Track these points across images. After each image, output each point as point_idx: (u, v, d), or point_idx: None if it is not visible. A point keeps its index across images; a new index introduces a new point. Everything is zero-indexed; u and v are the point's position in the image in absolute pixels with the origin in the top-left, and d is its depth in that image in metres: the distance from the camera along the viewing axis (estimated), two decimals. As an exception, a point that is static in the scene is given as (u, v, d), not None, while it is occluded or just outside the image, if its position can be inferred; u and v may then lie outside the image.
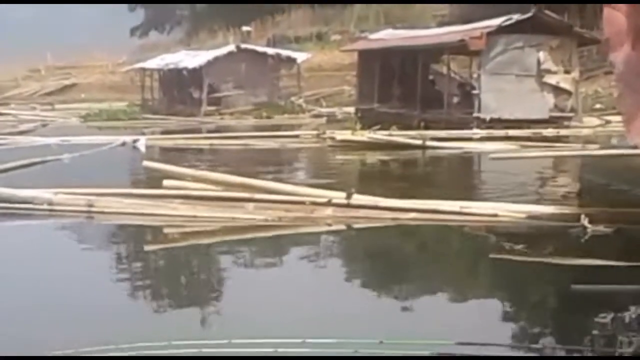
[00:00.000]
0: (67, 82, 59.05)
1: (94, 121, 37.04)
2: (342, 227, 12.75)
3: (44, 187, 13.72)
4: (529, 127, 25.63)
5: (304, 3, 58.28)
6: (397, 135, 23.96)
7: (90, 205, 13.06)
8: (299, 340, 6.56)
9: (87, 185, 13.88)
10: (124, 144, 24.71)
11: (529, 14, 27.36)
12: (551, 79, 27.20)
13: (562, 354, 6.98)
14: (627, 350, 6.16)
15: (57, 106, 44.24)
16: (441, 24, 41.89)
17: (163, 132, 31.86)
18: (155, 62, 44.71)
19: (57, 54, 65.10)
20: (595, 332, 7.64)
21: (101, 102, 44.16)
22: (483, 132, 25.35)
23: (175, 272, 10.80)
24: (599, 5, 4.76)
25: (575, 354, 6.92)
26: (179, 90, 41.96)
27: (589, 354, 6.90)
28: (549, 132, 25.40)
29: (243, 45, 42.71)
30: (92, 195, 13.27)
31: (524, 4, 28.66)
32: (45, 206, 13.20)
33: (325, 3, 57.38)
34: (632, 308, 8.03)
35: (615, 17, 4.65)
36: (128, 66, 50.15)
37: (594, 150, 20.94)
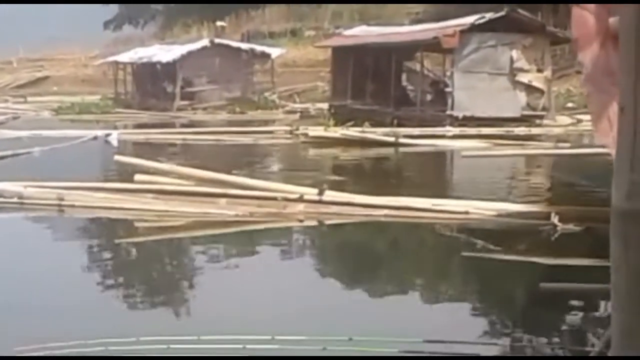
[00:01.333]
0: (39, 75, 58.63)
1: (66, 114, 36.84)
2: (314, 223, 12.76)
3: (14, 180, 13.64)
4: (501, 125, 25.74)
5: (286, 3, 57.87)
6: (370, 132, 24.00)
7: (61, 199, 12.99)
8: (268, 337, 6.56)
9: (58, 178, 13.80)
10: (96, 137, 24.60)
11: (502, 13, 27.47)
12: (524, 78, 27.32)
13: (529, 349, 7.02)
14: (595, 350, 6.20)
15: (29, 99, 43.94)
16: (415, 22, 41.98)
17: (136, 126, 31.72)
18: (129, 56, 44.50)
19: (30, 46, 64.61)
20: (564, 329, 7.70)
21: (74, 96, 43.87)
22: (456, 130, 25.42)
23: (145, 266, 10.78)
24: (571, 5, 4.79)
25: (544, 351, 6.96)
26: (152, 85, 41.79)
27: (557, 349, 6.95)
28: (521, 130, 25.51)
29: (217, 40, 42.57)
30: (63, 189, 13.21)
31: (499, 3, 28.72)
32: (15, 199, 13.13)
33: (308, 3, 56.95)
34: (601, 306, 8.09)
35: (584, 17, 4.66)
36: (101, 59, 49.84)
37: (565, 148, 21.08)
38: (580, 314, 7.97)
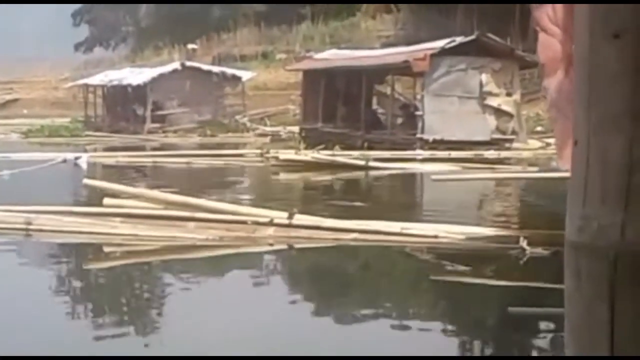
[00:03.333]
0: (9, 97, 58.33)
1: (35, 137, 36.65)
2: (284, 247, 12.72)
3: (-18, 204, 13.51)
4: (471, 149, 25.86)
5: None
6: (341, 156, 24.02)
7: (29, 223, 12.87)
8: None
9: (26, 202, 13.69)
10: (65, 160, 24.45)
11: (472, 37, 27.70)
12: (493, 101, 27.50)
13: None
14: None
15: (-2, 121, 43.72)
16: (386, 45, 42.17)
17: (106, 150, 31.58)
18: (99, 78, 44.41)
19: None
20: (532, 353, 7.72)
21: (43, 118, 43.70)
22: (426, 153, 25.52)
23: (113, 291, 10.69)
24: (539, 31, 4.83)
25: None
26: (123, 107, 41.68)
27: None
28: (491, 153, 25.64)
29: (188, 63, 42.61)
30: (31, 213, 13.09)
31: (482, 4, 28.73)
32: (-18, 223, 13.00)
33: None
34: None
35: (550, 44, 4.70)
36: (71, 82, 49.69)
37: (534, 172, 21.20)
38: (549, 336, 7.99)
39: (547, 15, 4.66)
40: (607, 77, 1.35)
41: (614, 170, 1.33)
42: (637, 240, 1.26)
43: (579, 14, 1.40)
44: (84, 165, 23.77)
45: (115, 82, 42.15)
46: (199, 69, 41.37)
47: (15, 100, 57.71)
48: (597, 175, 1.35)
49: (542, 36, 5.00)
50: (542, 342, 8.08)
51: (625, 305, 1.31)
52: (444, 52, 27.45)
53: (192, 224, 12.76)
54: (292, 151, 24.77)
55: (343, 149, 25.46)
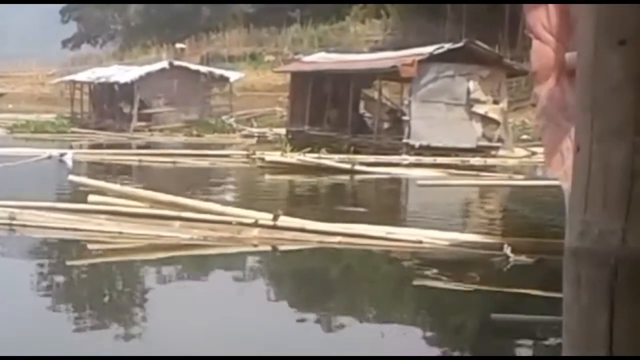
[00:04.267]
0: (-6, 92, 58.18)
1: (20, 132, 36.53)
2: (268, 248, 12.71)
3: (-35, 198, 13.45)
4: (456, 155, 25.91)
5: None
6: (327, 159, 24.02)
7: (12, 218, 12.81)
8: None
9: (10, 197, 13.62)
10: (50, 157, 24.37)
11: (461, 44, 27.75)
12: (480, 109, 27.54)
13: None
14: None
15: (-17, 116, 43.52)
16: (374, 50, 42.22)
17: (91, 147, 31.49)
18: (86, 75, 44.31)
19: (-15, 63, 64.09)
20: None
21: (29, 114, 43.54)
22: (412, 159, 25.55)
23: (96, 289, 10.65)
24: (528, 38, 4.85)
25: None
26: (110, 105, 41.59)
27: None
28: (476, 160, 25.69)
29: (176, 62, 42.59)
30: (15, 208, 13.03)
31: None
32: (-35, 217, 12.93)
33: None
34: (550, 338, 8.13)
35: (543, 51, 4.72)
36: (58, 78, 49.54)
37: (519, 180, 21.27)
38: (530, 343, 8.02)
39: (541, 23, 4.67)
40: (611, 85, 1.35)
41: (616, 177, 1.34)
42: (638, 246, 1.26)
43: (583, 21, 1.40)
44: (69, 162, 23.69)
45: (102, 80, 42.07)
46: (186, 69, 41.34)
47: (1, 94, 57.51)
48: (598, 181, 1.35)
49: (535, 43, 5.01)
50: (523, 349, 8.10)
51: (625, 312, 1.31)
52: (432, 58, 27.49)
53: (177, 223, 12.74)
54: (278, 153, 24.77)
55: (329, 152, 25.47)
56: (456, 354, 8.23)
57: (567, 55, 4.57)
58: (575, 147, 1.40)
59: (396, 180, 22.43)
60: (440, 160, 24.80)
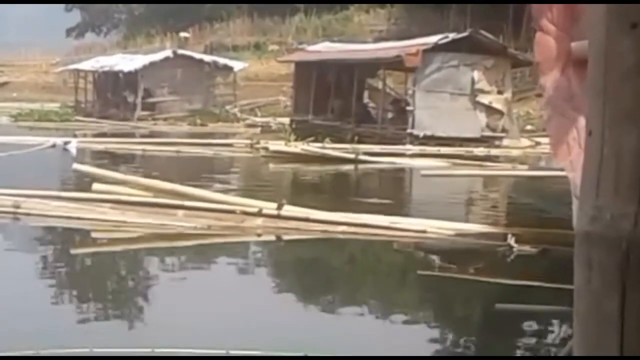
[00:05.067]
0: (-1, 80, 58.13)
1: (24, 121, 36.52)
2: (272, 237, 12.72)
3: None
4: (460, 145, 25.88)
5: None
6: (331, 148, 24.00)
7: (17, 207, 12.83)
8: (223, 352, 6.51)
9: (15, 186, 13.64)
10: (54, 145, 24.38)
11: (465, 34, 27.69)
12: (484, 99, 27.49)
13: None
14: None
15: (-13, 105, 43.52)
16: (378, 40, 42.16)
17: (95, 135, 31.50)
18: (90, 64, 44.25)
19: (-11, 51, 64.05)
20: (517, 350, 7.75)
21: (33, 102, 43.52)
22: (415, 149, 25.52)
23: (100, 277, 10.67)
24: (533, 29, 4.84)
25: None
26: (113, 94, 41.56)
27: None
28: (480, 151, 25.66)
29: (180, 51, 42.50)
30: (19, 197, 13.05)
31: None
32: (-30, 206, 12.95)
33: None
34: (554, 328, 8.15)
35: (546, 42, 4.70)
36: (62, 67, 49.51)
37: (523, 170, 21.25)
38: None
39: (545, 14, 4.66)
40: (623, 69, 1.35)
41: (628, 161, 1.33)
42: (650, 231, 1.26)
43: (594, 5, 1.40)
44: (73, 151, 23.69)
45: (106, 68, 42.02)
46: (190, 58, 41.29)
47: (5, 83, 57.47)
48: (611, 166, 1.35)
49: (539, 34, 5.00)
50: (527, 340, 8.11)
51: (637, 296, 1.31)
52: (436, 48, 27.44)
53: (181, 212, 12.75)
54: (282, 142, 24.75)
55: (333, 141, 25.44)
56: (459, 343, 8.22)
57: (573, 45, 4.55)
58: (587, 131, 1.40)
59: (400, 171, 22.42)
60: (444, 150, 24.77)
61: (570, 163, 4.04)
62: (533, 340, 8.05)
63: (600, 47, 1.38)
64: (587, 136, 1.39)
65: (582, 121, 4.13)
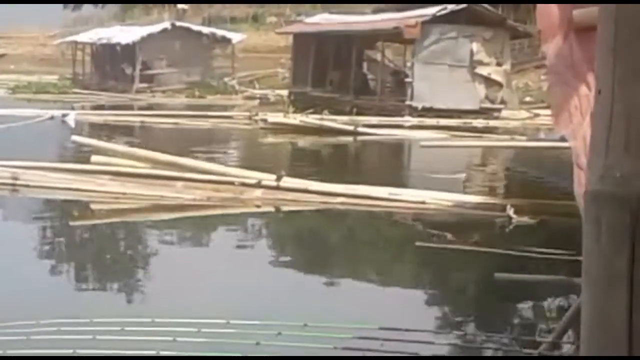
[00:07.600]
0: (-4, 53, 57.90)
1: (22, 93, 36.45)
2: (271, 209, 12.72)
3: (-32, 158, 13.45)
4: (459, 117, 25.84)
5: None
6: (329, 120, 23.97)
7: (15, 178, 12.83)
8: (223, 321, 6.52)
9: (13, 157, 13.62)
10: (52, 117, 24.34)
11: (464, 5, 27.58)
12: (483, 70, 27.44)
13: (484, 340, 7.06)
14: (546, 339, 6.24)
15: (-16, 77, 43.39)
16: (377, 11, 41.97)
17: (93, 108, 31.44)
18: (88, 36, 44.06)
19: (-14, 23, 63.74)
20: (515, 319, 7.77)
21: (31, 75, 43.41)
22: (414, 120, 25.49)
23: (100, 249, 10.68)
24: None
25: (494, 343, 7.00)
26: (111, 66, 41.43)
27: (508, 341, 6.99)
28: (479, 122, 25.64)
29: (178, 23, 42.32)
30: (18, 168, 13.04)
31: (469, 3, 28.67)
32: (-32, 177, 12.95)
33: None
34: (552, 297, 8.16)
35: (548, 10, 4.68)
36: (60, 39, 49.29)
37: (522, 141, 21.22)
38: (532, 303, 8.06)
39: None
40: (633, 29, 1.34)
41: (639, 119, 1.33)
42: (659, 189, 1.26)
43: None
44: (72, 123, 23.66)
45: (104, 41, 41.87)
46: (188, 30, 41.13)
47: (2, 55, 57.25)
48: (620, 124, 1.34)
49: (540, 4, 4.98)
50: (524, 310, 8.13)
51: (646, 254, 1.31)
52: (435, 20, 27.35)
53: (180, 184, 12.74)
54: (281, 114, 24.72)
55: (332, 113, 25.41)
56: (458, 313, 8.23)
57: (575, 12, 4.52)
58: (597, 90, 1.39)
59: (399, 142, 22.40)
60: (442, 121, 24.74)
61: (571, 131, 4.03)
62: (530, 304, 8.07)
63: (610, 7, 1.37)
64: (597, 95, 1.39)
65: (583, 89, 4.13)
